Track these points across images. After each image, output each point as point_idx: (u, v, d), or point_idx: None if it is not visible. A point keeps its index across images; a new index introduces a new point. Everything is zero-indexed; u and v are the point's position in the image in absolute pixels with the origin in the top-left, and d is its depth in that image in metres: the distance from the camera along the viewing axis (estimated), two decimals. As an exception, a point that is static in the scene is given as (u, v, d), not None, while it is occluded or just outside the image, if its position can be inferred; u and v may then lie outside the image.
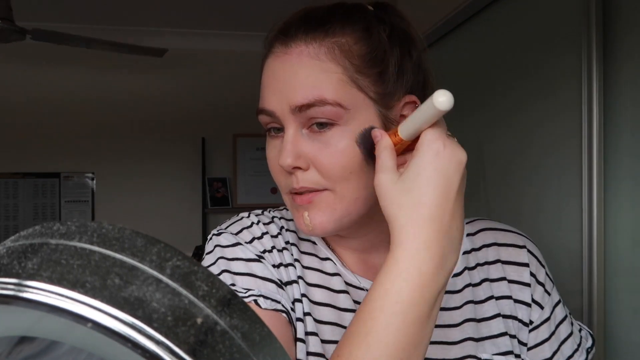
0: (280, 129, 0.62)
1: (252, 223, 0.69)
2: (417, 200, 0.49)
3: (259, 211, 0.73)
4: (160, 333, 0.17)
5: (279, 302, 0.62)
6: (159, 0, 2.71)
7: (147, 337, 0.17)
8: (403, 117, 0.64)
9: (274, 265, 0.65)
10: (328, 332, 0.64)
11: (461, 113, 1.68)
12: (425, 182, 0.49)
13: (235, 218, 0.71)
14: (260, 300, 0.60)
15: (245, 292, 0.60)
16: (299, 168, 0.60)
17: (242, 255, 0.64)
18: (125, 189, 3.45)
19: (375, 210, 0.63)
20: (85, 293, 0.17)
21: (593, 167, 1.14)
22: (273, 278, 0.63)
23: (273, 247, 0.67)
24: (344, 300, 0.66)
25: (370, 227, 0.67)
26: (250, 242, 0.66)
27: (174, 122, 3.50)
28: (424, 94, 0.65)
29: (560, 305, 0.71)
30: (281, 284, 0.64)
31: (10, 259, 0.19)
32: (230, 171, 3.58)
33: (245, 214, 0.71)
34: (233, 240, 0.66)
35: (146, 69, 3.36)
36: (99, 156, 3.44)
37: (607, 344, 1.13)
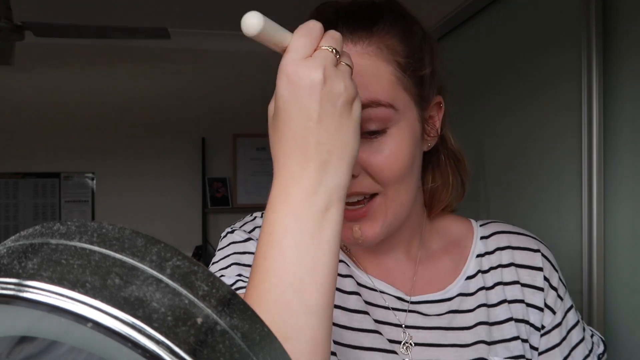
0: None
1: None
2: (279, 135, 0.48)
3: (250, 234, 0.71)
4: (161, 333, 0.17)
5: None
6: (159, 0, 2.71)
7: (147, 337, 0.17)
8: (431, 118, 0.64)
9: None
10: (336, 333, 0.63)
11: (461, 112, 1.68)
12: (281, 117, 0.47)
13: (248, 218, 0.71)
14: None
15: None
16: (352, 175, 0.58)
17: (253, 249, 0.64)
18: (125, 188, 3.45)
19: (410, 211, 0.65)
20: (86, 293, 0.17)
21: (593, 166, 1.14)
22: None
23: None
24: (354, 302, 0.66)
25: (396, 230, 0.66)
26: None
27: (174, 122, 3.50)
28: (443, 94, 0.66)
29: (573, 310, 0.70)
30: None
31: (10, 259, 0.19)
32: (230, 171, 3.58)
33: (258, 214, 0.71)
34: (245, 236, 0.66)
35: (146, 69, 3.36)
36: (99, 156, 3.44)
37: (607, 344, 1.13)
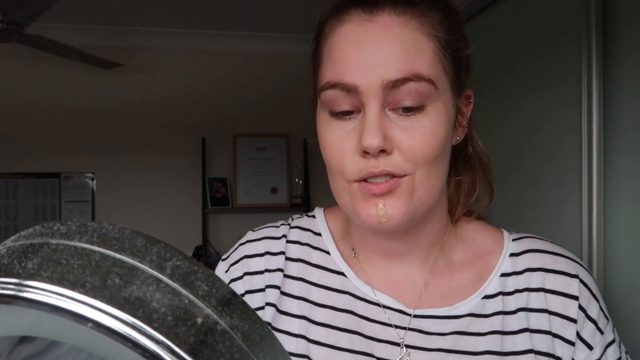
0: (351, 112, 0.55)
1: (245, 258, 0.67)
2: None
3: (263, 233, 0.69)
4: (161, 333, 0.17)
5: None
6: (159, 1, 2.71)
7: (147, 336, 0.17)
8: (460, 111, 0.60)
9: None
10: (323, 353, 0.60)
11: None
12: None
13: (237, 244, 0.69)
14: None
15: None
16: (384, 151, 0.54)
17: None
18: (125, 188, 3.45)
19: (435, 204, 0.60)
20: (86, 293, 0.17)
21: (593, 166, 1.14)
22: None
23: (247, 292, 0.65)
24: (345, 321, 0.62)
25: (415, 227, 0.61)
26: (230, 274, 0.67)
27: (174, 122, 3.50)
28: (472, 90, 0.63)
29: (614, 345, 0.62)
30: None
31: (10, 259, 0.19)
32: (230, 171, 3.58)
33: (243, 240, 0.69)
34: (227, 279, 0.66)
35: (146, 69, 3.36)
36: (99, 156, 3.44)
37: (607, 343, 1.13)
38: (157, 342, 0.17)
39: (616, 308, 1.12)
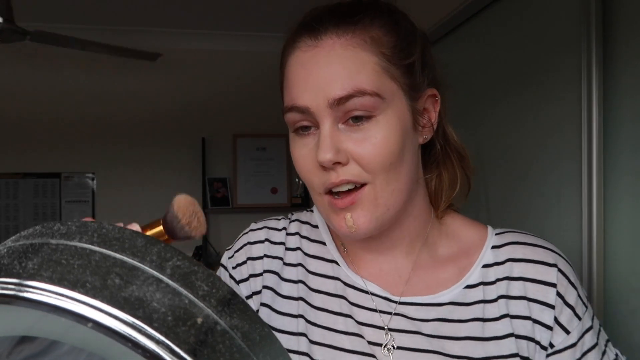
0: (309, 127, 0.61)
1: (248, 243, 0.72)
2: None
3: (264, 223, 0.74)
4: (161, 333, 0.17)
5: None
6: (159, 0, 2.71)
7: (147, 336, 0.17)
8: (426, 110, 0.64)
9: (238, 281, 0.70)
10: (318, 334, 0.65)
11: (460, 114, 1.68)
12: None
13: (238, 243, 0.74)
14: None
15: None
16: (339, 163, 0.59)
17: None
18: (125, 188, 3.45)
19: (406, 204, 0.64)
20: (86, 293, 0.17)
21: (593, 166, 1.14)
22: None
23: (250, 276, 0.70)
24: (338, 305, 0.66)
25: (393, 226, 0.66)
26: (234, 267, 0.71)
27: (174, 122, 3.50)
28: (438, 89, 0.66)
29: (592, 332, 0.65)
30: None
31: (10, 259, 0.19)
32: (230, 171, 3.58)
33: (246, 230, 0.74)
34: (227, 275, 0.72)
35: (146, 69, 3.36)
36: (99, 156, 3.44)
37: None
38: (157, 342, 0.17)
39: (616, 308, 1.12)
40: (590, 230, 1.14)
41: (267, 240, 0.72)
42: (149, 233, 0.48)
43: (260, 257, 0.71)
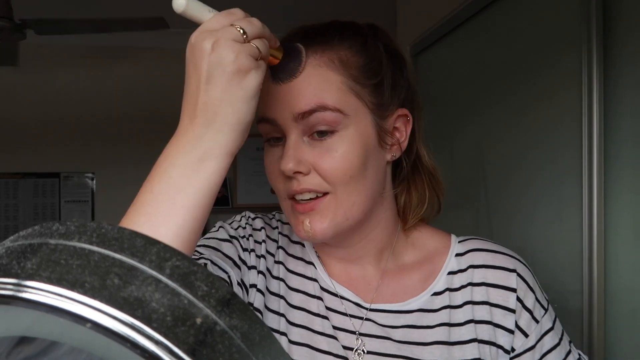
0: (280, 139, 0.65)
1: (249, 217, 0.76)
2: (184, 92, 0.57)
3: (260, 214, 0.78)
4: (160, 333, 0.17)
5: (225, 273, 0.65)
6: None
7: (146, 337, 0.17)
8: (396, 129, 0.68)
9: (244, 249, 0.70)
10: (296, 334, 0.67)
11: (460, 116, 1.68)
12: (186, 78, 0.55)
13: (238, 215, 0.77)
14: (208, 264, 0.64)
15: (198, 256, 0.65)
16: (300, 172, 0.63)
17: (220, 236, 0.70)
18: (125, 189, 3.44)
19: (367, 217, 0.67)
20: (85, 293, 0.17)
21: (593, 167, 1.14)
22: (234, 257, 0.68)
23: (250, 236, 0.72)
24: (316, 306, 0.69)
25: (359, 237, 0.69)
26: (235, 229, 0.73)
27: (174, 122, 3.50)
28: (412, 109, 0.69)
29: (552, 334, 0.68)
30: (239, 264, 0.68)
31: (9, 259, 0.19)
32: (230, 171, 3.58)
33: (250, 214, 0.77)
34: (220, 224, 0.74)
35: (147, 68, 3.36)
36: (99, 156, 3.44)
37: (607, 344, 1.13)
38: (156, 342, 0.17)
39: (616, 308, 1.12)
40: (591, 228, 1.14)
41: (263, 229, 0.75)
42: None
43: (260, 242, 0.73)
